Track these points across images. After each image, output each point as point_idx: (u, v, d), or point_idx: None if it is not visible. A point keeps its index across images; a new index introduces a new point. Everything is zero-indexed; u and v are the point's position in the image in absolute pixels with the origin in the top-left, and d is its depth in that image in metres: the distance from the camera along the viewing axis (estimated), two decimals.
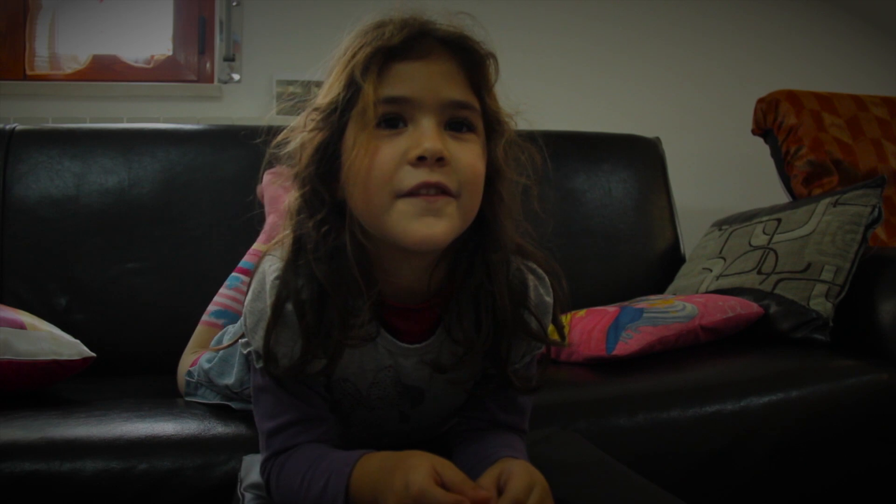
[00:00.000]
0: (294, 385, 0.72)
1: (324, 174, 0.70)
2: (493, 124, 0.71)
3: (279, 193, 1.40)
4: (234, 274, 1.32)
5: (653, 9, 2.34)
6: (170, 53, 2.09)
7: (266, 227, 1.38)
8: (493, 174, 0.71)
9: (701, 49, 2.38)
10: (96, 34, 2.06)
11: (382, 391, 0.77)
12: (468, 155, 0.68)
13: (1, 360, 1.03)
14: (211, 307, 1.29)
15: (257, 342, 0.71)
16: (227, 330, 1.11)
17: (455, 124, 0.68)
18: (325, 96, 0.71)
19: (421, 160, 0.65)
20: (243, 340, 0.76)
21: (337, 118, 0.68)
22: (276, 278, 0.70)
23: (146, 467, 0.88)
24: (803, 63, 2.40)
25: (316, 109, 0.71)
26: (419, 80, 0.67)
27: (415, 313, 0.74)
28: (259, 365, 0.72)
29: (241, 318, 0.75)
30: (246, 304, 0.73)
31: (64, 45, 2.03)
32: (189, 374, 1.13)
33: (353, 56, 0.68)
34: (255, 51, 2.09)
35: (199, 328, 1.28)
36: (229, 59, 2.07)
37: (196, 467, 0.89)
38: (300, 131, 0.72)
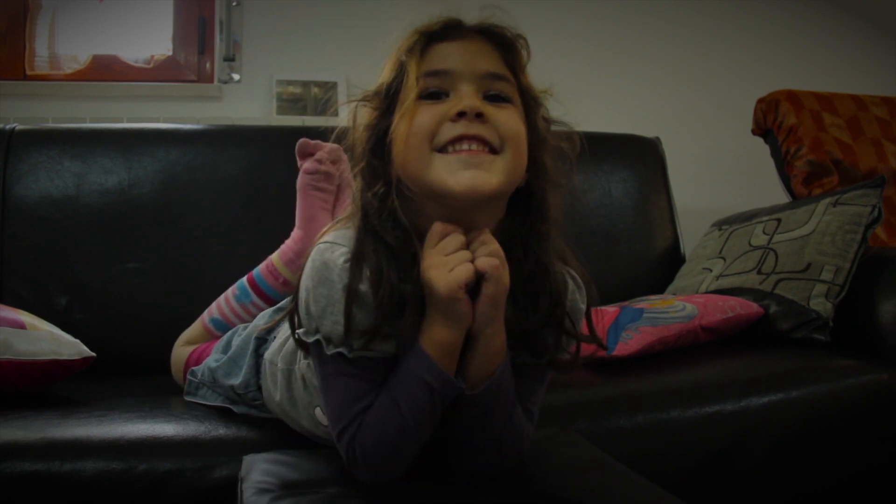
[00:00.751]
0: (367, 364, 0.74)
1: (377, 150, 0.75)
2: (528, 99, 0.77)
3: (316, 213, 1.33)
4: (245, 286, 1.28)
5: (653, 9, 2.34)
6: (170, 53, 2.09)
7: (290, 241, 1.31)
8: (535, 144, 0.76)
9: (701, 49, 2.38)
10: (96, 34, 2.06)
11: None
12: (507, 116, 0.73)
13: (1, 360, 1.03)
14: (214, 311, 1.27)
15: (328, 327, 0.72)
16: (237, 330, 1.11)
17: (492, 97, 0.74)
18: (375, 85, 0.77)
19: (461, 115, 0.71)
20: (301, 331, 0.76)
21: (387, 99, 0.75)
22: (346, 261, 0.72)
23: (146, 468, 0.88)
24: (803, 63, 2.40)
25: (366, 97, 0.77)
26: (458, 55, 0.74)
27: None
28: (331, 350, 0.73)
29: (301, 309, 0.75)
30: (306, 292, 0.74)
31: (64, 45, 2.04)
32: (192, 373, 1.13)
33: (400, 45, 0.75)
34: (255, 51, 2.09)
35: (198, 325, 1.28)
36: (229, 59, 2.07)
37: (196, 468, 0.89)
38: (355, 116, 0.78)
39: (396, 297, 0.71)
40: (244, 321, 1.21)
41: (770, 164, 1.92)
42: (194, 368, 1.13)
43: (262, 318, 1.07)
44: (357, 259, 0.72)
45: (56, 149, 1.50)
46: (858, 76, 2.39)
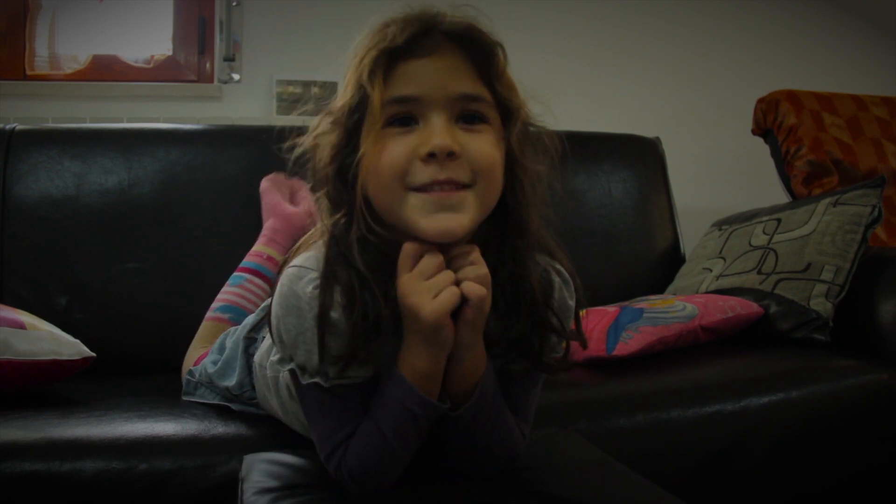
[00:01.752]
0: (345, 390, 0.72)
1: (342, 173, 0.70)
2: (506, 112, 0.71)
3: (277, 199, 1.46)
4: (236, 273, 1.34)
5: (653, 9, 2.34)
6: (170, 53, 2.09)
7: (265, 230, 1.42)
8: (511, 161, 0.71)
9: (701, 49, 2.38)
10: (96, 34, 2.06)
11: None
12: (481, 144, 0.68)
13: (1, 359, 1.03)
14: (216, 303, 1.30)
15: (302, 356, 0.71)
16: (230, 332, 1.11)
17: (467, 117, 0.69)
18: (338, 100, 0.71)
19: (431, 157, 0.66)
20: (275, 357, 0.75)
21: (351, 120, 0.69)
22: (315, 288, 0.70)
23: (146, 467, 0.88)
24: (803, 63, 2.40)
25: (330, 113, 0.72)
26: (426, 77, 0.67)
27: None
28: (306, 380, 0.71)
29: (273, 336, 0.74)
30: (276, 320, 0.72)
31: (64, 45, 2.03)
32: (190, 373, 1.13)
33: (361, 59, 0.69)
34: (255, 51, 2.09)
35: (205, 324, 1.28)
36: (229, 59, 2.07)
37: (196, 467, 0.89)
38: (316, 134, 0.73)
39: (371, 321, 0.69)
40: (244, 300, 1.26)
41: (770, 164, 1.92)
42: (192, 368, 1.13)
43: (251, 319, 1.07)
44: (327, 284, 0.69)
45: (56, 149, 1.50)
46: (858, 76, 2.39)
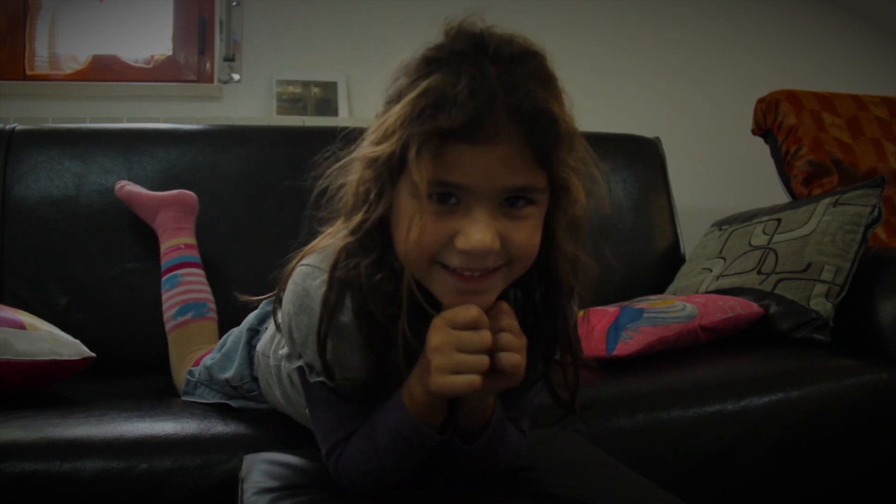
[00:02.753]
0: (350, 390, 0.72)
1: (376, 220, 0.67)
2: (559, 191, 0.66)
3: (148, 193, 1.46)
4: (166, 277, 1.36)
5: (653, 9, 2.34)
6: (170, 53, 2.09)
7: (161, 225, 1.44)
8: (554, 230, 0.67)
9: (701, 49, 2.38)
10: (96, 34, 2.06)
11: None
12: (523, 234, 0.64)
13: (1, 360, 1.03)
14: (169, 312, 1.31)
15: (310, 355, 0.71)
16: (232, 332, 1.11)
17: (512, 199, 0.63)
18: (377, 144, 0.65)
19: (468, 253, 0.62)
20: (283, 352, 0.75)
21: (388, 172, 0.65)
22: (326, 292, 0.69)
23: (146, 467, 0.88)
24: (803, 63, 2.40)
25: (363, 158, 0.67)
26: (478, 168, 0.60)
27: None
28: (314, 379, 0.72)
29: (283, 332, 0.74)
30: (287, 317, 0.72)
31: (64, 45, 2.03)
32: (190, 372, 1.13)
33: (409, 118, 0.61)
34: (255, 51, 2.09)
35: (173, 336, 1.28)
36: (229, 59, 2.07)
37: (196, 467, 0.89)
38: (350, 174, 0.69)
39: (384, 334, 0.68)
40: (194, 292, 1.29)
41: (770, 164, 1.92)
42: (192, 368, 1.13)
43: (253, 315, 1.07)
44: (339, 289, 0.68)
45: (56, 149, 1.50)
46: (858, 76, 2.39)
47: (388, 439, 0.69)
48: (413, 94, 0.61)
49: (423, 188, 0.60)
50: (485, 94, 0.60)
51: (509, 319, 0.65)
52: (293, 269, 0.73)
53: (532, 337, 0.69)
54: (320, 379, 0.71)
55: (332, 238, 0.72)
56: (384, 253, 0.68)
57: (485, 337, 0.62)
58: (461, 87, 0.59)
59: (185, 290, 1.31)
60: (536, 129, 0.61)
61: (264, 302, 1.07)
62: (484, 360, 0.62)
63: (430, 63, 0.63)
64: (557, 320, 0.71)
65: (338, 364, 0.70)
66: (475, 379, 0.62)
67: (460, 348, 0.62)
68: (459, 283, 0.64)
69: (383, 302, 0.67)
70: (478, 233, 0.61)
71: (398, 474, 0.72)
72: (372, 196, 0.66)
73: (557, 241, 0.68)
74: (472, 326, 0.63)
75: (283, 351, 0.75)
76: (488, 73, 0.61)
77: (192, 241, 1.39)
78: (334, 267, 0.69)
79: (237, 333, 1.07)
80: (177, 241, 1.38)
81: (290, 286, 0.72)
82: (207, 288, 1.35)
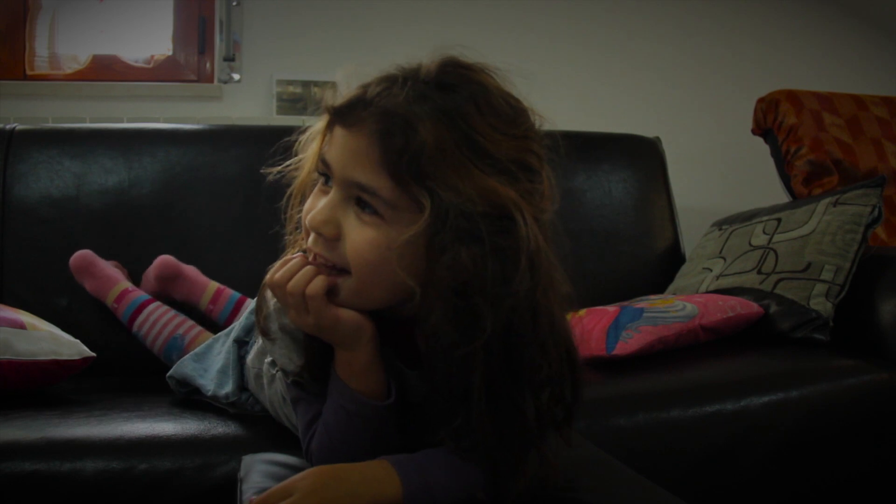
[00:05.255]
0: (318, 388, 0.75)
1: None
2: (439, 212, 0.62)
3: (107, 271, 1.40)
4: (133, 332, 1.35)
5: (652, 10, 2.34)
6: (170, 53, 2.09)
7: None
8: (431, 252, 0.63)
9: (701, 49, 2.38)
10: (96, 34, 2.06)
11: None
12: (356, 237, 0.65)
13: (1, 359, 1.03)
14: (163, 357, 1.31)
15: (280, 361, 0.77)
16: (219, 337, 1.11)
17: (361, 203, 0.66)
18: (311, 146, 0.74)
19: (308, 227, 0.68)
20: (269, 360, 0.80)
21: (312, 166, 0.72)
22: (277, 301, 0.73)
23: (146, 467, 0.88)
24: (803, 63, 2.40)
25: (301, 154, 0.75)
26: (340, 150, 0.66)
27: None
28: (289, 381, 0.76)
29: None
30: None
31: (64, 45, 2.03)
32: (170, 378, 1.11)
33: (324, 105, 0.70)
34: (255, 51, 2.09)
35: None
36: (229, 59, 2.07)
37: (196, 467, 0.89)
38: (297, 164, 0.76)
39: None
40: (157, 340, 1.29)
41: (770, 164, 1.92)
42: (173, 375, 1.10)
43: (239, 324, 1.08)
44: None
45: (56, 149, 1.50)
46: (858, 76, 2.39)
47: (332, 415, 0.71)
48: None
49: (312, 159, 0.69)
50: (376, 91, 0.64)
51: None
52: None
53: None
54: (293, 378, 0.76)
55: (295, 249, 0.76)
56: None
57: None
58: (370, 82, 0.66)
59: (152, 339, 1.30)
60: (389, 132, 0.62)
61: (248, 312, 1.07)
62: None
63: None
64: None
65: (293, 363, 0.74)
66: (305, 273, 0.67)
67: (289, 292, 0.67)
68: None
69: None
70: (318, 212, 0.66)
71: (359, 449, 0.70)
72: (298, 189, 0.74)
73: (431, 274, 0.64)
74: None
75: (269, 358, 0.80)
76: (398, 81, 0.65)
77: (121, 287, 1.36)
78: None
79: (227, 346, 1.07)
80: (112, 292, 1.36)
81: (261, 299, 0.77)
82: (167, 316, 1.32)
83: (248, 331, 1.05)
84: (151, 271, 1.41)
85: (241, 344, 1.05)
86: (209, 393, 1.04)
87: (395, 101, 0.63)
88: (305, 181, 0.74)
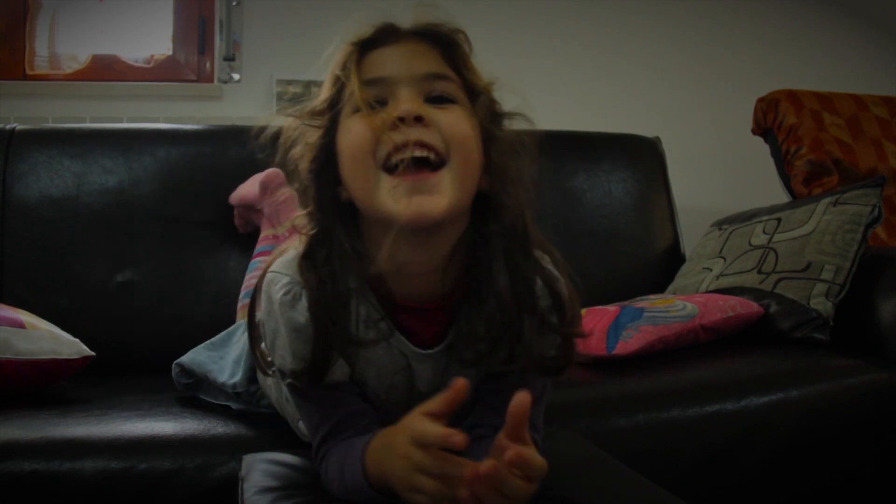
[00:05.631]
0: (325, 392, 0.73)
1: (323, 174, 0.71)
2: (475, 95, 0.72)
3: (249, 192, 1.45)
4: (253, 259, 1.35)
5: (652, 10, 2.34)
6: (170, 53, 2.09)
7: (266, 213, 1.41)
8: (486, 142, 0.71)
9: (701, 49, 2.38)
10: (96, 34, 2.06)
11: (399, 395, 0.77)
12: (451, 117, 0.68)
13: (1, 359, 1.03)
14: (242, 291, 1.31)
15: (278, 360, 0.72)
16: (240, 325, 1.11)
17: (435, 98, 0.69)
18: (316, 101, 0.73)
19: (401, 121, 0.66)
20: (270, 359, 0.76)
21: (329, 116, 0.71)
22: (285, 294, 0.71)
23: (146, 467, 0.88)
24: (803, 63, 2.40)
25: (310, 111, 0.73)
26: (394, 60, 0.70)
27: (429, 313, 0.74)
28: (286, 381, 0.73)
29: (260, 332, 0.76)
30: (260, 319, 0.75)
31: (64, 44, 2.03)
32: (178, 365, 1.11)
33: (336, 60, 0.72)
34: (255, 51, 2.09)
35: (238, 318, 1.27)
36: (229, 58, 2.07)
37: (196, 467, 0.89)
38: (297, 133, 0.73)
39: (339, 331, 0.69)
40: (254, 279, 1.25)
41: (770, 164, 1.92)
42: (181, 361, 1.11)
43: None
44: (293, 296, 0.70)
45: (56, 149, 1.50)
46: (858, 76, 2.39)
47: (350, 477, 0.69)
48: (332, 48, 0.73)
49: (354, 90, 0.68)
50: (388, 23, 0.72)
51: (533, 464, 0.58)
52: (265, 274, 0.75)
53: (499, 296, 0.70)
54: (289, 380, 0.73)
55: (297, 242, 0.74)
56: (332, 212, 0.70)
57: (438, 465, 0.58)
58: (370, 21, 0.72)
59: (257, 275, 1.31)
60: (436, 35, 0.71)
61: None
62: (440, 490, 0.58)
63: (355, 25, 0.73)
64: (522, 269, 0.71)
65: (301, 366, 0.71)
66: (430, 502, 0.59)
67: (416, 468, 0.59)
68: (406, 181, 0.65)
69: (334, 268, 0.69)
70: (405, 102, 0.67)
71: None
72: (317, 147, 0.71)
73: (489, 132, 0.71)
74: (436, 444, 0.58)
75: (269, 357, 0.77)
76: (391, 19, 0.72)
77: (279, 231, 1.39)
78: (299, 265, 0.71)
79: (243, 340, 1.06)
80: (269, 231, 1.39)
81: (262, 292, 0.74)
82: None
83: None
84: (260, 176, 1.40)
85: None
86: (219, 381, 1.03)
87: (425, 20, 0.72)
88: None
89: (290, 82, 2.08)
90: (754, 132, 1.96)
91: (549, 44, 2.23)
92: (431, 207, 0.65)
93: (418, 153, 0.66)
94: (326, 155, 0.71)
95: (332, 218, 0.70)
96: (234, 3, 2.06)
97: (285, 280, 0.71)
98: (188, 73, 2.09)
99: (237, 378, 1.02)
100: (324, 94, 0.72)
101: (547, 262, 0.75)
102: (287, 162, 0.73)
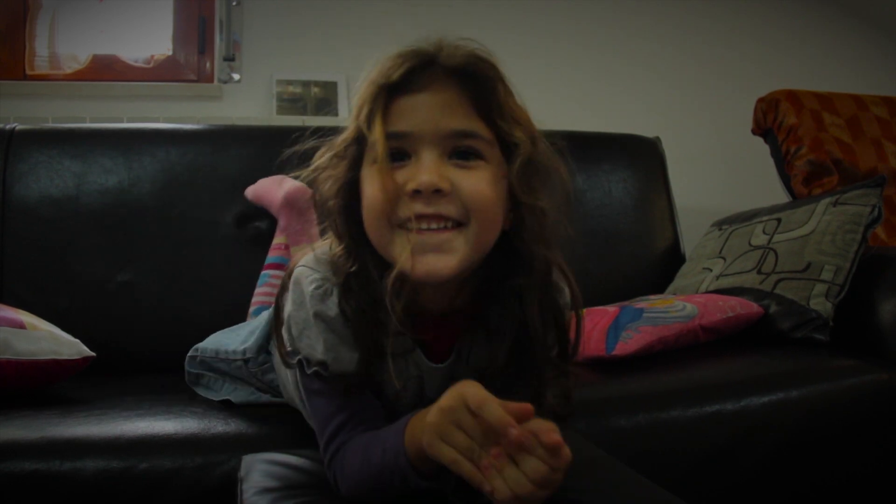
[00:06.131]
0: (341, 380, 0.74)
1: (347, 209, 0.72)
2: (508, 148, 0.69)
3: (270, 192, 1.45)
4: (263, 272, 1.36)
5: (652, 10, 2.34)
6: (170, 53, 2.09)
7: (279, 225, 1.43)
8: (515, 199, 0.70)
9: (701, 49, 2.38)
10: (96, 34, 2.06)
11: (409, 399, 0.79)
12: (474, 181, 0.67)
13: (1, 359, 1.03)
14: (251, 308, 1.32)
15: (305, 350, 0.73)
16: (259, 308, 1.11)
17: (461, 153, 0.67)
18: (342, 136, 0.72)
19: (417, 193, 0.65)
20: (289, 349, 0.76)
21: (352, 156, 0.71)
22: (316, 288, 0.72)
23: (146, 467, 0.88)
24: (803, 63, 2.40)
25: (331, 147, 0.73)
26: (420, 113, 0.67)
27: (442, 327, 0.75)
28: (310, 371, 0.73)
29: (284, 328, 0.76)
30: (287, 315, 0.75)
31: (64, 44, 2.03)
32: (195, 349, 1.12)
33: (360, 96, 0.69)
34: (255, 51, 2.09)
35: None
36: (229, 58, 2.07)
37: (196, 467, 0.89)
38: (317, 166, 0.74)
39: (370, 337, 0.70)
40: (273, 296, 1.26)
41: (770, 164, 1.92)
42: (197, 345, 1.12)
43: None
44: (326, 287, 0.72)
45: (56, 149, 1.50)
46: (858, 76, 2.39)
47: (378, 460, 0.68)
48: (365, 75, 0.69)
49: (379, 140, 0.65)
50: (422, 57, 0.68)
51: (558, 452, 0.58)
52: (295, 265, 0.76)
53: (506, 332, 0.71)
54: (315, 369, 0.73)
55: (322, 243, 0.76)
56: (354, 243, 0.71)
57: (476, 427, 0.58)
58: (396, 54, 0.68)
59: (268, 291, 1.32)
60: (470, 82, 0.67)
61: None
62: (471, 445, 0.58)
63: (387, 58, 0.69)
64: (530, 309, 0.71)
65: (329, 356, 0.72)
66: (459, 459, 0.58)
67: (455, 422, 0.59)
68: (419, 239, 0.66)
69: (359, 292, 0.70)
70: (425, 172, 0.65)
71: (384, 496, 0.70)
72: (340, 182, 0.71)
73: (517, 196, 0.69)
74: (477, 410, 0.58)
75: (289, 349, 0.77)
76: (428, 52, 0.68)
77: (285, 240, 1.40)
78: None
79: (261, 318, 1.07)
80: (282, 240, 1.40)
81: (290, 287, 0.75)
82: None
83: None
84: (287, 189, 1.39)
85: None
86: (230, 349, 1.04)
87: (460, 57, 0.67)
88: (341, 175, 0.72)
89: (290, 82, 2.09)
90: (754, 132, 1.96)
91: (549, 44, 2.24)
92: (442, 267, 0.66)
93: (434, 225, 0.66)
94: (351, 191, 0.71)
95: (364, 250, 0.71)
96: (234, 3, 2.06)
97: (316, 276, 0.73)
98: (188, 73, 2.09)
99: (249, 343, 1.03)
100: (348, 131, 0.71)
101: (563, 291, 0.75)
102: (315, 189, 0.74)
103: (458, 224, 0.67)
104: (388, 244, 0.68)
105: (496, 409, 0.57)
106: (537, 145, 0.71)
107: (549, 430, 0.57)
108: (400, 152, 0.67)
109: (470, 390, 0.59)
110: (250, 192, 1.50)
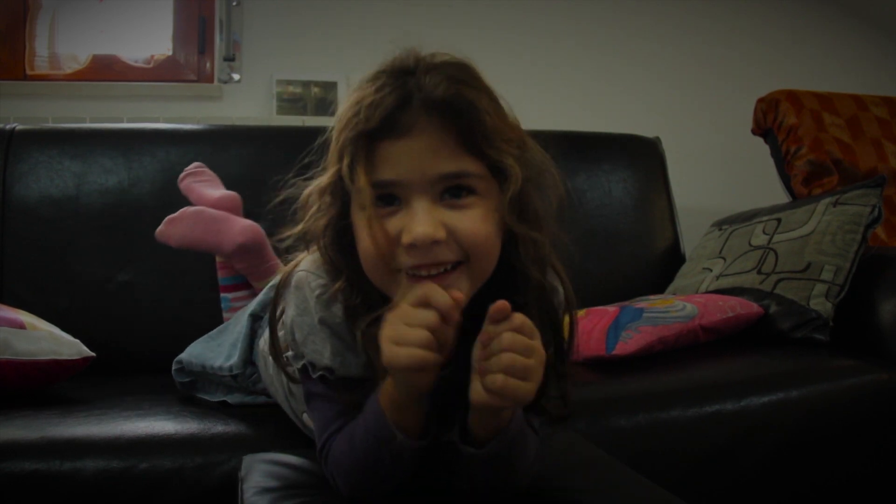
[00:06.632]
0: (346, 386, 0.73)
1: (338, 244, 0.70)
2: (498, 177, 0.67)
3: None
4: (223, 295, 1.32)
5: (652, 10, 2.34)
6: (170, 53, 2.09)
7: (240, 269, 1.32)
8: (511, 218, 0.68)
9: (701, 49, 2.38)
10: (96, 34, 2.06)
11: None
12: (468, 222, 0.65)
13: (1, 359, 1.03)
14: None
15: (311, 354, 0.73)
16: (238, 316, 1.11)
17: (453, 191, 0.65)
18: (326, 173, 0.70)
19: (413, 246, 0.64)
20: (289, 353, 0.76)
21: (339, 195, 0.68)
22: (321, 294, 0.72)
23: (146, 467, 0.88)
24: (803, 63, 2.40)
25: (321, 187, 0.70)
26: (405, 160, 0.64)
27: None
28: (315, 375, 0.73)
29: (287, 333, 0.76)
30: (290, 320, 0.74)
31: (64, 44, 2.03)
32: (178, 362, 1.12)
33: (340, 137, 0.67)
34: (255, 51, 2.09)
35: None
36: (229, 58, 2.07)
37: (196, 467, 0.89)
38: (310, 209, 0.72)
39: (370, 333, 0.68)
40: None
41: (770, 164, 1.92)
42: (180, 357, 1.12)
43: (257, 299, 1.08)
44: (330, 293, 0.71)
45: (56, 149, 1.50)
46: (858, 76, 2.39)
47: (362, 435, 0.68)
48: (342, 109, 0.67)
49: (365, 191, 0.63)
50: (399, 94, 0.64)
51: (523, 323, 0.60)
52: (292, 269, 0.76)
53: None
54: (321, 373, 0.73)
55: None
56: (350, 276, 0.70)
57: (428, 315, 0.60)
58: (379, 93, 0.64)
59: (230, 316, 1.28)
60: (454, 116, 0.64)
61: (266, 289, 1.07)
62: (422, 333, 0.59)
63: (364, 83, 0.67)
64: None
65: (336, 361, 0.72)
66: (416, 352, 0.59)
67: (405, 321, 0.60)
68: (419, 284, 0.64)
69: (355, 319, 0.69)
70: (418, 224, 0.63)
71: (379, 477, 0.70)
72: (329, 214, 0.69)
73: (510, 226, 0.67)
74: (423, 304, 0.60)
75: (289, 353, 0.77)
76: (406, 81, 0.65)
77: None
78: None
79: (243, 321, 1.06)
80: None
81: (291, 291, 0.75)
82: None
83: (264, 306, 1.03)
84: (238, 234, 1.26)
85: (256, 318, 1.04)
86: (215, 365, 1.04)
87: (440, 88, 0.64)
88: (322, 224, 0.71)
89: (290, 82, 2.09)
90: (754, 132, 1.96)
91: (549, 44, 2.23)
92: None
93: (434, 272, 0.65)
94: (340, 226, 0.69)
95: (366, 284, 0.69)
96: (234, 3, 2.06)
97: (320, 281, 0.72)
98: (188, 74, 2.09)
99: (234, 360, 1.02)
100: (331, 170, 0.68)
101: (557, 290, 0.75)
102: (305, 223, 0.72)
103: (458, 263, 0.66)
104: (388, 287, 0.67)
105: (441, 294, 0.59)
106: (527, 152, 0.69)
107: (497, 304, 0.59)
108: (390, 196, 0.65)
109: (417, 290, 0.61)
110: (175, 238, 1.29)
